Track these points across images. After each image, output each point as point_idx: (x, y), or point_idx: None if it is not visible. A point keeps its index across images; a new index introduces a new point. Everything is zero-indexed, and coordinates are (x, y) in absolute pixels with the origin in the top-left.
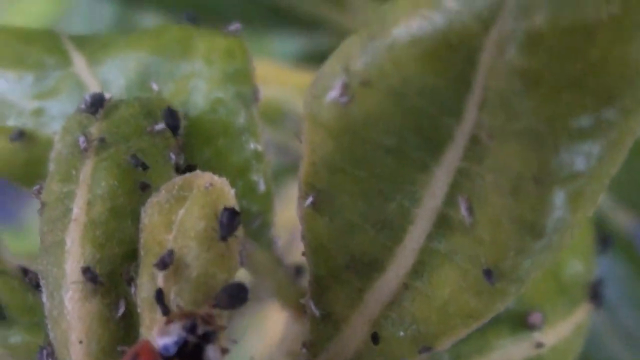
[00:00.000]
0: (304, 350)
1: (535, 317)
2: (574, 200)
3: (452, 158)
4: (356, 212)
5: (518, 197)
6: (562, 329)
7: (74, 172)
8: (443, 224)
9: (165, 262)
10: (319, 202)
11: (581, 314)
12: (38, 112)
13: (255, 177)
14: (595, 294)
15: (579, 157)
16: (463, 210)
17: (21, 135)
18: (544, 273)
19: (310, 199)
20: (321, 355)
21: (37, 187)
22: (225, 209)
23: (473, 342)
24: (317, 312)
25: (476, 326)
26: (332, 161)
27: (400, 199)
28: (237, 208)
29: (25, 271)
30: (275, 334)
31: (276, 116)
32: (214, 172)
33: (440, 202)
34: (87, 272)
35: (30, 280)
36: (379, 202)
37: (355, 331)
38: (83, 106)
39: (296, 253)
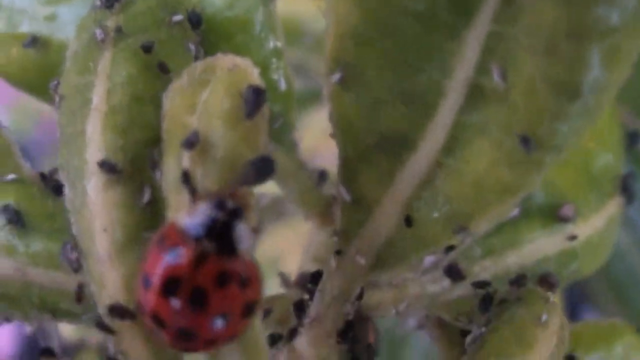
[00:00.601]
0: (336, 239)
1: (567, 210)
2: (610, 57)
3: (483, 20)
4: (384, 86)
5: (552, 57)
6: (595, 221)
7: (91, 64)
8: (476, 94)
9: (191, 142)
10: (346, 78)
11: (613, 207)
12: (51, 18)
13: (276, 75)
14: (626, 187)
15: (614, 11)
16: (496, 77)
17: (35, 41)
18: (574, 166)
19: (337, 75)
20: (353, 242)
21: (54, 82)
22: (250, 86)
23: (505, 236)
24: (347, 197)
25: (512, 202)
26: (358, 32)
27: (430, 71)
28: (262, 86)
29: (43, 176)
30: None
31: (294, 35)
32: None
33: (472, 71)
34: (104, 164)
35: (49, 186)
36: (407, 74)
37: (387, 214)
38: (98, 2)
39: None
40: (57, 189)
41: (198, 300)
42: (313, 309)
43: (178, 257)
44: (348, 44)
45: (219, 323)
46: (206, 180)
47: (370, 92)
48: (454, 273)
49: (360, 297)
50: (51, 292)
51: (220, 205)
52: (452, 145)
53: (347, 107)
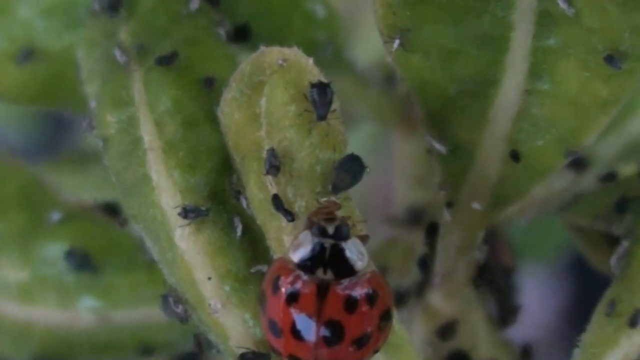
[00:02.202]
0: (442, 192)
1: None
2: None
3: None
4: (450, 37)
5: None
6: None
7: (124, 93)
8: (546, 20)
9: (274, 165)
10: (408, 41)
11: None
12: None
13: (310, 3)
14: None
15: None
16: (561, 3)
17: (29, 54)
18: None
19: (396, 41)
20: (462, 191)
21: (85, 121)
22: (312, 84)
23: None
24: (443, 149)
25: (615, 111)
26: None
27: (492, 9)
28: (323, 78)
29: (109, 207)
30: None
31: None
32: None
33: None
34: (185, 210)
35: (114, 217)
36: (470, 19)
37: (491, 155)
38: (97, 6)
39: None
40: (123, 221)
41: (333, 334)
42: (439, 265)
43: (300, 296)
44: (399, 9)
45: (360, 345)
46: (299, 199)
47: (436, 47)
48: (575, 162)
49: (486, 240)
50: (145, 328)
51: (323, 226)
52: (537, 71)
53: (417, 68)
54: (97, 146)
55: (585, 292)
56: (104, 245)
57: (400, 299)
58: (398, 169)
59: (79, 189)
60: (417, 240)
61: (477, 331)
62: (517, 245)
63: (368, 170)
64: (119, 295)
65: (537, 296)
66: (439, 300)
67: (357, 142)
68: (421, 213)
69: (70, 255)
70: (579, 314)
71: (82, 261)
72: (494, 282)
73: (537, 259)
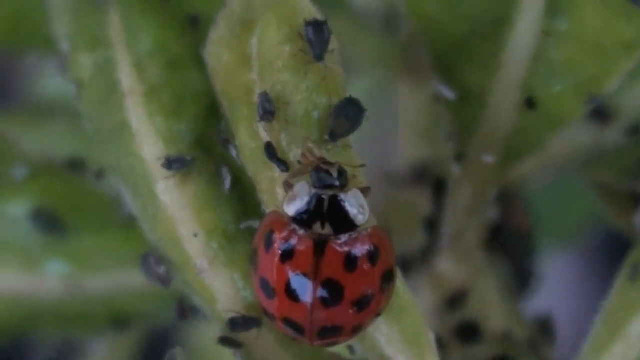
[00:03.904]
0: (451, 145)
1: None
2: None
3: None
4: None
5: None
6: None
7: (100, 33)
8: None
9: (268, 111)
10: None
11: None
12: None
13: None
14: None
15: None
16: None
17: None
18: None
19: None
20: (473, 142)
21: (56, 62)
22: (308, 22)
23: None
24: (451, 95)
25: (638, 55)
26: None
27: None
28: (320, 16)
29: (78, 162)
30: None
31: None
32: None
33: None
34: (169, 160)
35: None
36: None
37: (504, 102)
38: None
39: None
40: (99, 174)
41: (331, 295)
42: (447, 226)
43: (295, 253)
44: None
45: (361, 307)
46: (294, 147)
47: None
48: (599, 114)
49: (500, 201)
50: (120, 297)
51: (322, 176)
52: (554, 9)
53: (424, 6)
54: (58, 96)
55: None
56: (73, 204)
57: (405, 265)
58: (402, 122)
59: (38, 143)
60: (422, 199)
61: (489, 300)
62: (541, 220)
63: (368, 115)
64: (90, 260)
65: (562, 272)
66: (447, 266)
67: (356, 94)
68: (427, 170)
69: (36, 215)
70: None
71: (49, 222)
72: (509, 246)
73: (562, 236)
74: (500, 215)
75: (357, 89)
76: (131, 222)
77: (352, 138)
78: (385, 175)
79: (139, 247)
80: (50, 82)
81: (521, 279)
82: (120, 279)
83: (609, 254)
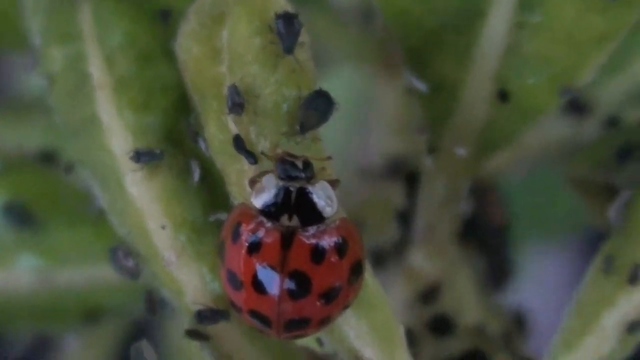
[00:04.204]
0: (424, 137)
1: None
2: None
3: None
4: None
5: None
6: None
7: (71, 27)
8: None
9: (237, 103)
10: None
11: None
12: None
13: None
14: None
15: None
16: None
17: None
18: None
19: None
20: (445, 135)
21: (28, 58)
22: (278, 15)
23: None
24: (424, 87)
25: (612, 47)
26: None
27: None
28: (290, 9)
29: (50, 156)
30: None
31: None
32: None
33: None
34: (137, 154)
35: (52, 166)
36: None
37: (477, 95)
38: None
39: None
40: (67, 169)
41: (299, 287)
42: (420, 219)
43: (262, 245)
44: None
45: (328, 299)
46: (263, 139)
47: None
48: (576, 106)
49: (476, 196)
50: (92, 291)
51: (288, 168)
52: (528, 2)
53: (398, 0)
54: (36, 92)
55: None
56: (46, 198)
57: (378, 259)
58: (378, 116)
59: (11, 137)
60: (396, 193)
61: (463, 294)
62: (521, 215)
63: (337, 107)
64: (62, 254)
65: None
66: (420, 260)
67: (332, 88)
68: (401, 163)
69: (8, 209)
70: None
71: (21, 216)
72: (484, 240)
73: (543, 231)
74: (475, 208)
75: (333, 84)
76: (103, 216)
77: (325, 132)
78: (360, 169)
79: (111, 242)
80: (28, 79)
81: (496, 273)
82: (92, 273)
83: (589, 249)
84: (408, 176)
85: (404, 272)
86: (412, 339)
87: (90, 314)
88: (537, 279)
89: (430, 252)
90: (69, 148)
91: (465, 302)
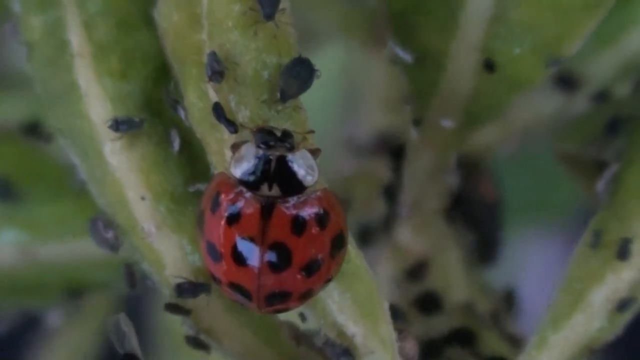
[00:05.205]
0: (409, 109)
1: None
2: None
3: None
4: None
5: None
6: None
7: None
8: None
9: (216, 71)
10: None
11: None
12: None
13: None
14: None
15: None
16: None
17: None
18: None
19: None
20: (431, 105)
21: (8, 25)
22: None
23: (620, 15)
24: (409, 57)
25: (599, 16)
26: None
27: None
28: None
29: (33, 127)
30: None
31: None
32: None
33: None
34: (117, 122)
35: (34, 138)
36: None
37: (462, 65)
38: None
39: None
40: (47, 139)
41: (279, 259)
42: (406, 192)
43: (242, 216)
44: None
45: (310, 272)
46: (243, 107)
47: None
48: (565, 81)
49: (465, 171)
50: (75, 266)
51: (268, 136)
52: None
53: None
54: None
55: None
56: (27, 171)
57: (366, 235)
58: (366, 90)
59: None
60: (383, 168)
61: (450, 271)
62: (511, 194)
63: (319, 74)
64: (44, 228)
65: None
66: (407, 236)
67: (321, 62)
68: (390, 139)
69: None
70: None
71: (3, 189)
72: (473, 216)
73: (533, 211)
74: (464, 184)
75: (321, 58)
76: (86, 190)
77: (311, 106)
78: (347, 144)
79: (91, 215)
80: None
81: (485, 250)
82: (74, 248)
83: (581, 228)
84: (395, 150)
85: (392, 248)
86: (399, 315)
87: (74, 289)
88: (527, 257)
89: (418, 227)
90: (49, 117)
91: (454, 279)
